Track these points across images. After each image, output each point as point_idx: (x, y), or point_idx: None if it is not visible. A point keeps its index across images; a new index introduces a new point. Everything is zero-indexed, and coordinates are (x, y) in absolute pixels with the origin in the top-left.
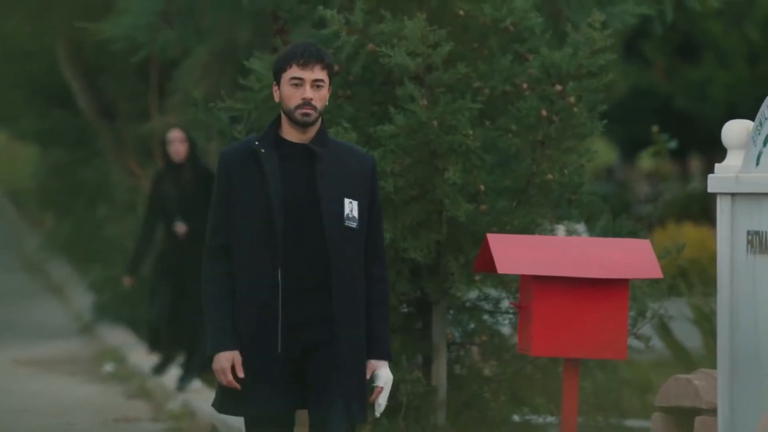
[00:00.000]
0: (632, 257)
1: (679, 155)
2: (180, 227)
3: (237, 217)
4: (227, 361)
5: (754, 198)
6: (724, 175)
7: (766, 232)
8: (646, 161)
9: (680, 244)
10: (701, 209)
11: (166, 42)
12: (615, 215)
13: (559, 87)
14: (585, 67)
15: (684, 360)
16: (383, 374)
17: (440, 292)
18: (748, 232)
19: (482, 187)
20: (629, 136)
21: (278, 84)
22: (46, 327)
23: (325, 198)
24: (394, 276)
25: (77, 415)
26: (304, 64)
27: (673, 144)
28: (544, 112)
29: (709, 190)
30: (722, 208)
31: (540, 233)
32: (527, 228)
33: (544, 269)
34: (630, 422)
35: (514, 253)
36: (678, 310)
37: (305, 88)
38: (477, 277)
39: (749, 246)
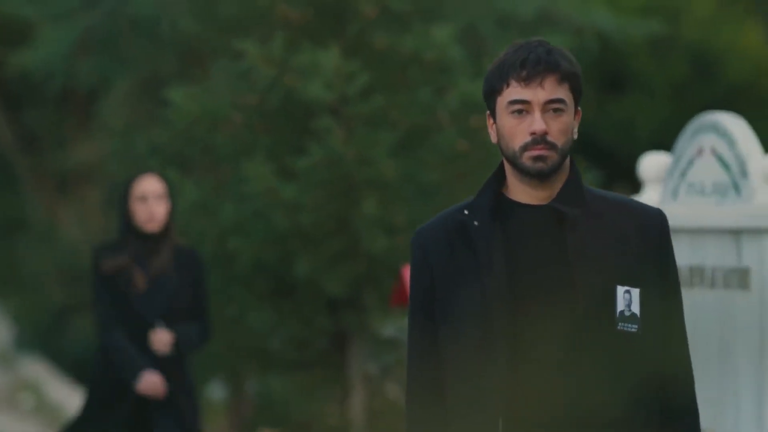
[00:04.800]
0: None
1: (606, 188)
2: (161, 336)
3: (444, 329)
4: None
5: (671, 233)
6: None
7: (680, 267)
8: None
9: None
10: None
11: (85, 72)
12: None
13: (478, 119)
14: None
15: None
16: None
17: (358, 326)
18: None
19: (400, 220)
20: None
21: (493, 116)
22: None
23: (584, 287)
24: (312, 311)
25: None
26: (529, 77)
27: (593, 177)
28: (463, 145)
29: None
30: None
31: None
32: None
33: None
34: None
35: None
36: None
37: (534, 116)
38: (395, 311)
39: None
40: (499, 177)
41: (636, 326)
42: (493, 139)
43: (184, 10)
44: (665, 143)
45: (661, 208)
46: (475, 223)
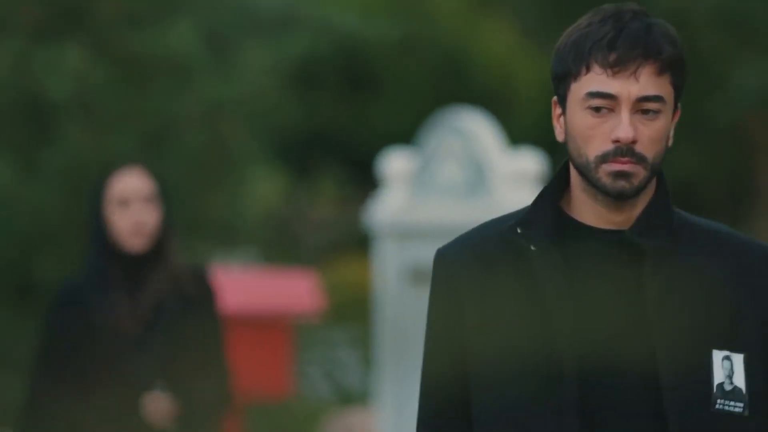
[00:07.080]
0: (294, 289)
1: (361, 186)
2: (159, 403)
3: (478, 377)
4: None
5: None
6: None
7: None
8: (324, 193)
9: (340, 281)
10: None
11: None
12: (286, 248)
13: (223, 119)
14: (249, 100)
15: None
16: None
17: None
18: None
19: None
20: (306, 169)
21: (561, 104)
22: None
23: (666, 349)
24: None
25: None
26: (620, 64)
27: (335, 177)
28: (207, 144)
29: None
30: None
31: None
32: (192, 261)
33: None
34: None
35: None
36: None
37: (620, 117)
38: None
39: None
40: (559, 185)
41: (741, 405)
42: (559, 136)
43: None
44: (414, 143)
45: (405, 206)
46: (532, 247)
